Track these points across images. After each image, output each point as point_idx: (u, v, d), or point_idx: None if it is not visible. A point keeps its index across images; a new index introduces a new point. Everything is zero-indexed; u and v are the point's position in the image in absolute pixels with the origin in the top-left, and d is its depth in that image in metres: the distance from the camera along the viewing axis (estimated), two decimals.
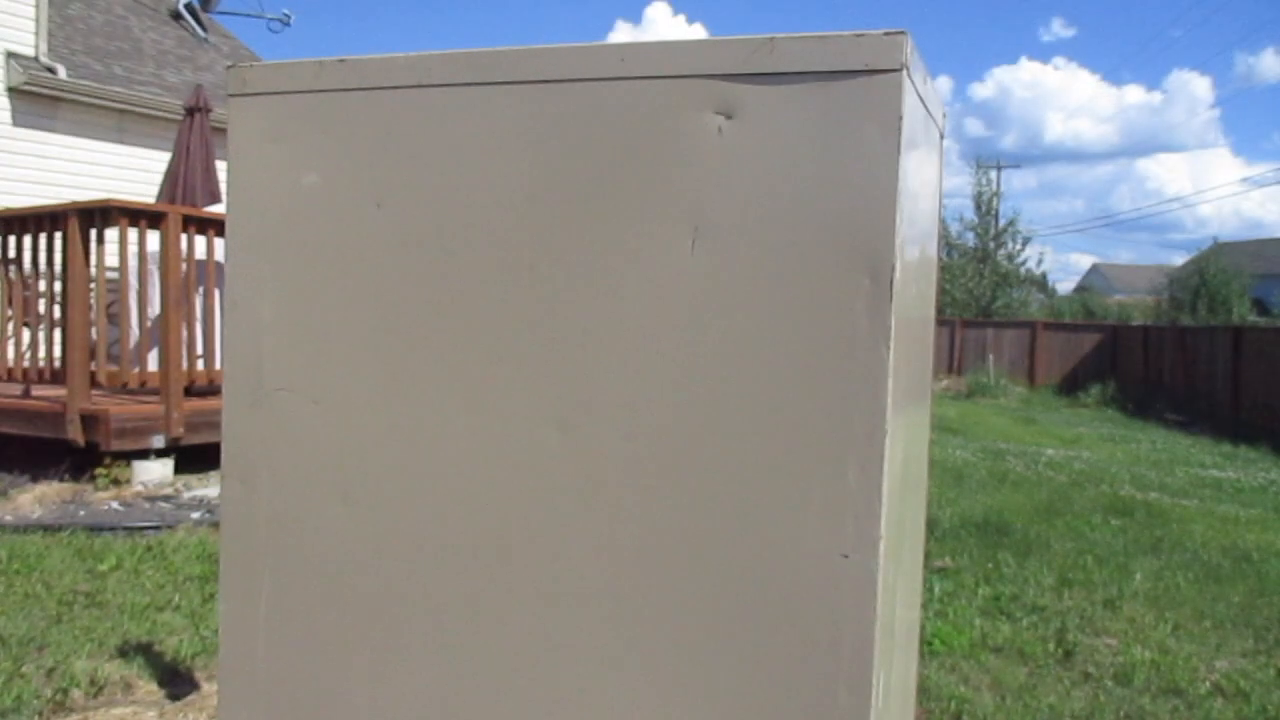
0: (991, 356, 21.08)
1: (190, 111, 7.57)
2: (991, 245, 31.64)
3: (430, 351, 1.19)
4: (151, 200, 7.92)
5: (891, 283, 1.02)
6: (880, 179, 1.02)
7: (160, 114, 10.47)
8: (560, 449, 1.14)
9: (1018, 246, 32.08)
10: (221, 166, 1.37)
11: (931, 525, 5.64)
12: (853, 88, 1.03)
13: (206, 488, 6.12)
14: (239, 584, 1.29)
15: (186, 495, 6.01)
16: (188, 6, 13.60)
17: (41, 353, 6.54)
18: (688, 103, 1.08)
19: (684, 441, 1.09)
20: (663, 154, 1.10)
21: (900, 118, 1.02)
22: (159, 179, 8.27)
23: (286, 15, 15.00)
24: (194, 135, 7.40)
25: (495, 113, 1.16)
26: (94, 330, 6.28)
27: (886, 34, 1.02)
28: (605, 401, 1.12)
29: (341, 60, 1.23)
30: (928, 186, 1.31)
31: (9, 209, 6.59)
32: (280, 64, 1.26)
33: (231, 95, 1.27)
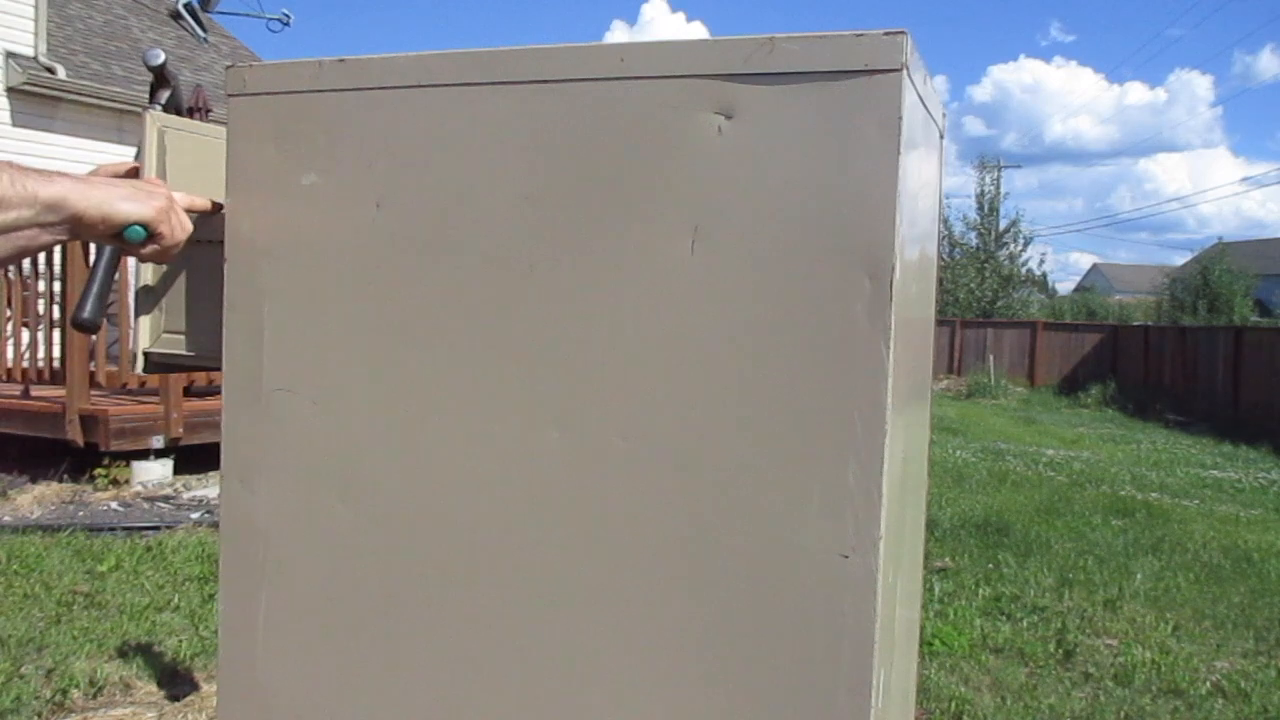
0: (991, 357, 21.07)
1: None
2: (993, 246, 31.60)
3: (429, 351, 1.19)
4: None
5: (891, 283, 1.02)
6: (880, 179, 1.02)
7: None
8: (560, 449, 1.14)
9: (1019, 247, 32.04)
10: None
11: (931, 525, 5.64)
12: (853, 88, 1.03)
13: (206, 488, 6.12)
14: (239, 584, 1.29)
15: (186, 495, 6.01)
16: (187, 6, 13.60)
17: (41, 353, 6.54)
18: (687, 102, 1.08)
19: (683, 441, 1.09)
20: (662, 154, 1.09)
21: (900, 118, 1.02)
22: None
23: (286, 15, 15.00)
24: None
25: (495, 113, 1.16)
26: None
27: (886, 34, 1.02)
28: (605, 401, 1.12)
29: (341, 60, 1.22)
30: (928, 186, 1.31)
31: None
32: (280, 64, 1.26)
33: (231, 95, 1.27)
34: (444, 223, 1.18)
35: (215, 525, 4.64)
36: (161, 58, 1.50)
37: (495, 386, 1.16)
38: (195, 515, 5.50)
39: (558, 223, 1.13)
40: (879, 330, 1.02)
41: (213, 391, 6.37)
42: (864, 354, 1.03)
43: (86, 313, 1.37)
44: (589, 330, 1.12)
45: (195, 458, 6.30)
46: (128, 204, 1.11)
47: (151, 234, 1.14)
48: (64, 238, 1.12)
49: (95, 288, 1.36)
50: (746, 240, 1.07)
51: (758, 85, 1.06)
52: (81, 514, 5.48)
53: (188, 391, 6.37)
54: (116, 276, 5.98)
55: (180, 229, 1.18)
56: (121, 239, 1.13)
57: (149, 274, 1.36)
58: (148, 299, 1.37)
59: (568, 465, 1.13)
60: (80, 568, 4.33)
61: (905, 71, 1.02)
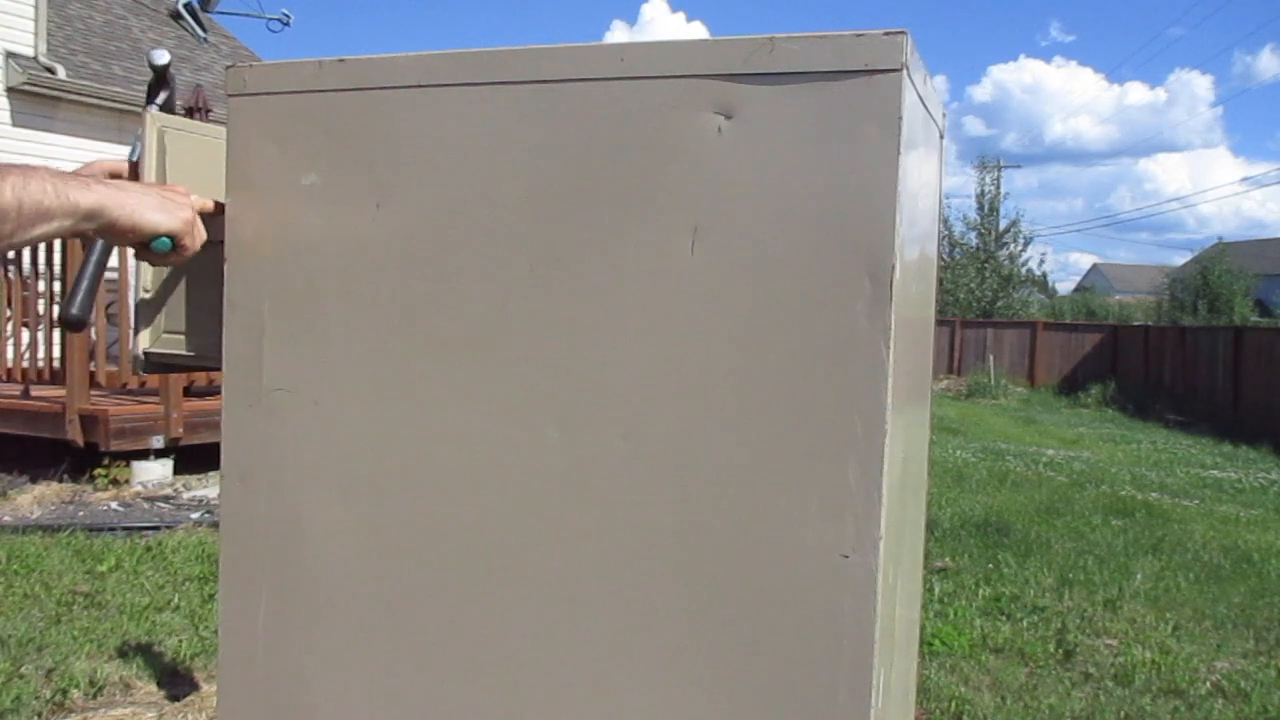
0: (991, 357, 21.06)
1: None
2: (993, 246, 31.60)
3: (430, 351, 1.19)
4: None
5: (891, 283, 1.02)
6: (880, 179, 1.02)
7: None
8: (560, 449, 1.14)
9: (1019, 247, 32.04)
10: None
11: (931, 525, 5.64)
12: (853, 88, 1.03)
13: (206, 488, 6.12)
14: (239, 584, 1.29)
15: (186, 495, 6.01)
16: (187, 6, 13.59)
17: (41, 353, 6.54)
18: (687, 103, 1.08)
19: (683, 441, 1.09)
20: (662, 154, 1.09)
21: (900, 118, 1.02)
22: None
23: (286, 15, 15.00)
24: None
25: (495, 113, 1.16)
26: (94, 330, 6.27)
27: (886, 34, 1.02)
28: (605, 401, 1.12)
29: (341, 60, 1.22)
30: (928, 186, 1.31)
31: None
32: (280, 64, 1.26)
33: (231, 95, 1.27)
34: (444, 223, 1.18)
35: (215, 525, 4.64)
36: (167, 59, 1.50)
37: (495, 386, 1.16)
38: (195, 515, 5.50)
39: (558, 222, 1.13)
40: (879, 330, 1.02)
41: (213, 391, 6.38)
42: (864, 354, 1.03)
43: (75, 309, 1.36)
44: (589, 330, 1.12)
45: (195, 458, 6.30)
46: (157, 215, 1.12)
47: (176, 245, 1.15)
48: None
49: (85, 285, 1.36)
50: (746, 240, 1.07)
51: (758, 85, 1.06)
52: (81, 514, 5.48)
53: (188, 391, 6.37)
54: (115, 276, 5.97)
55: (200, 238, 1.19)
56: (145, 247, 1.14)
57: (149, 278, 1.36)
58: (147, 308, 1.37)
59: (568, 465, 1.14)
60: (80, 568, 4.33)
61: (905, 71, 1.02)
